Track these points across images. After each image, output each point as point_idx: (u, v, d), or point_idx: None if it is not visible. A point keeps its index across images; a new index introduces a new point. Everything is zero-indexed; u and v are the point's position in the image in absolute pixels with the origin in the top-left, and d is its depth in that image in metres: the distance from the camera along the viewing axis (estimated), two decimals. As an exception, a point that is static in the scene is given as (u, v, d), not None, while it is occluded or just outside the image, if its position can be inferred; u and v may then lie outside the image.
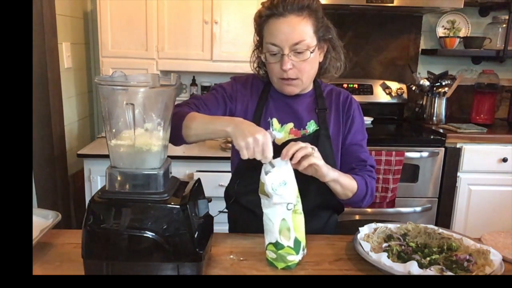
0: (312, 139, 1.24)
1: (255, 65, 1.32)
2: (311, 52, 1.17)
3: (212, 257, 1.07)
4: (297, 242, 1.03)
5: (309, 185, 1.20)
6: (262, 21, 1.19)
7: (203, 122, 1.13)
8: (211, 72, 2.63)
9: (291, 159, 1.05)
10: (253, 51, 1.30)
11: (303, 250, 1.06)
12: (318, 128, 1.27)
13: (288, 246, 1.02)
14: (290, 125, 1.28)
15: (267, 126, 1.27)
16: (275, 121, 1.28)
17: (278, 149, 1.23)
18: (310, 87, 1.31)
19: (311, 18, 1.17)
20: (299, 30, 1.15)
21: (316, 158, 1.08)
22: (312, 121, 1.28)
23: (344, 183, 1.18)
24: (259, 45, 1.26)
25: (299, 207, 1.04)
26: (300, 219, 1.04)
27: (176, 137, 1.13)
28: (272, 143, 1.24)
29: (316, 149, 1.09)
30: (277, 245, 1.02)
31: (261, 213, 1.24)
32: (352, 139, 1.30)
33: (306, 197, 1.14)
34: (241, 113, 1.29)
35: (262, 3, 1.19)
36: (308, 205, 1.19)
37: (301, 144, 1.06)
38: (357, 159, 1.29)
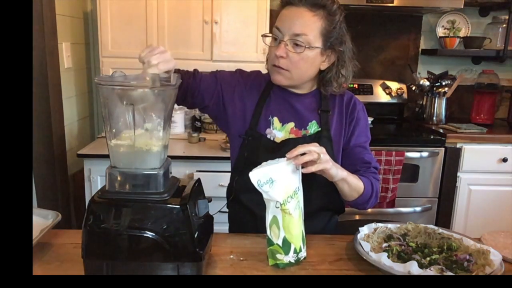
0: (313, 140, 1.23)
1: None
2: (308, 48, 1.16)
3: (212, 257, 1.07)
4: (286, 242, 1.02)
5: (312, 187, 1.20)
6: (279, 8, 1.21)
7: None
8: (211, 72, 2.63)
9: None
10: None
11: (296, 253, 1.04)
12: (319, 129, 1.26)
13: (277, 244, 1.02)
14: (291, 124, 1.27)
15: (267, 125, 1.27)
16: (276, 120, 1.27)
17: (277, 147, 1.23)
18: (314, 86, 1.30)
19: (324, 19, 1.16)
20: (305, 23, 1.15)
21: (324, 163, 1.06)
22: (314, 121, 1.27)
23: (351, 183, 1.17)
24: None
25: (289, 207, 1.02)
26: (290, 219, 1.02)
27: None
28: (272, 141, 1.25)
29: (323, 150, 1.07)
30: (268, 241, 1.04)
31: (260, 212, 1.24)
32: (356, 141, 1.29)
33: (309, 199, 1.14)
34: (237, 107, 1.28)
35: None
36: (310, 207, 1.19)
37: (309, 147, 1.04)
38: (361, 161, 1.28)
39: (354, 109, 1.29)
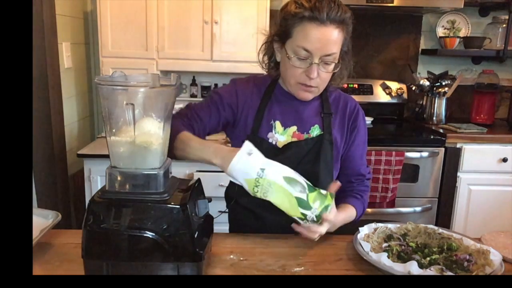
0: (315, 143, 1.24)
1: (265, 58, 1.28)
2: (336, 66, 1.17)
3: (212, 257, 1.07)
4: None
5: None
6: (296, 19, 1.12)
7: (191, 148, 1.13)
8: (211, 72, 2.63)
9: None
10: (266, 42, 1.26)
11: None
12: (322, 133, 1.26)
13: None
14: (293, 128, 1.26)
15: (269, 129, 1.26)
16: (278, 124, 1.26)
17: (279, 151, 1.23)
18: None
19: (344, 32, 1.15)
20: (334, 42, 1.13)
21: (326, 228, 1.07)
22: (316, 125, 1.27)
23: (347, 219, 1.23)
24: (279, 40, 1.20)
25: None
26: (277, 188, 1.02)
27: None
28: (274, 146, 1.25)
29: (327, 220, 1.06)
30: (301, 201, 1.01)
31: (261, 213, 1.24)
32: (354, 151, 1.30)
33: None
34: (242, 117, 1.27)
35: (300, 1, 1.13)
36: None
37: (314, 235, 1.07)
38: (356, 174, 1.31)
39: (357, 118, 1.30)
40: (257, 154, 1.03)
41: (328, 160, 1.24)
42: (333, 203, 1.07)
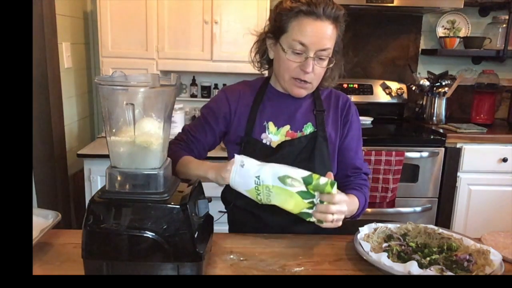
0: (309, 140, 1.24)
1: (257, 56, 1.29)
2: (330, 61, 1.18)
3: (212, 257, 1.07)
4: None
5: None
6: (292, 14, 1.14)
7: (191, 169, 1.19)
8: (211, 72, 2.63)
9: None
10: (258, 40, 1.27)
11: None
12: (315, 130, 1.27)
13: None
14: (287, 127, 1.27)
15: (262, 130, 1.26)
16: (271, 124, 1.27)
17: (273, 152, 1.23)
18: None
19: (338, 28, 1.17)
20: (329, 37, 1.15)
21: (338, 207, 1.05)
22: (309, 123, 1.27)
23: (350, 206, 1.18)
24: (273, 36, 1.21)
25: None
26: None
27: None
28: (267, 146, 1.25)
29: (342, 208, 1.05)
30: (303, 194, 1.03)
31: (260, 213, 1.24)
32: (348, 144, 1.30)
33: None
34: (235, 121, 1.28)
35: None
36: None
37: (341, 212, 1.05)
38: (352, 167, 1.31)
39: (349, 112, 1.31)
40: (249, 163, 1.05)
41: (324, 157, 1.24)
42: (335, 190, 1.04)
